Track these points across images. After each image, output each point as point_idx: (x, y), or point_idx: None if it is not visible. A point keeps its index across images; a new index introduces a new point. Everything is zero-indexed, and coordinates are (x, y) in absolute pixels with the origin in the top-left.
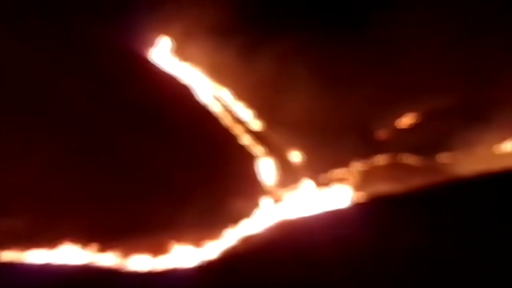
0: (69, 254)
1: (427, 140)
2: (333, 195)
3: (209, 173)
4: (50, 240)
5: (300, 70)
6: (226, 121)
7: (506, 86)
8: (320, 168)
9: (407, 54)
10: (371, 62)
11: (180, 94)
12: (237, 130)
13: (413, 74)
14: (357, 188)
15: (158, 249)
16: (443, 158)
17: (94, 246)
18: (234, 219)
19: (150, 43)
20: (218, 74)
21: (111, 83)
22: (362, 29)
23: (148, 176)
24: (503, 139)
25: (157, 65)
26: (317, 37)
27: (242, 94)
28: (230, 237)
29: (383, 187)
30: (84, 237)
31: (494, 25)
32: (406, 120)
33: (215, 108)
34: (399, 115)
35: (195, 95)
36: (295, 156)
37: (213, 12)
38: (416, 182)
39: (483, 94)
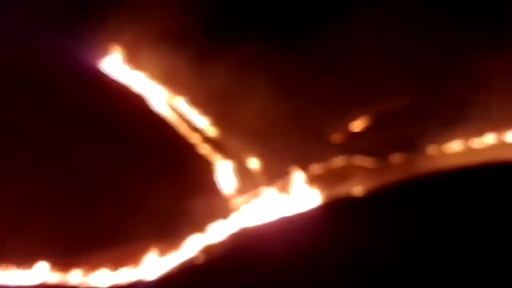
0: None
1: (381, 142)
2: (292, 199)
3: (167, 183)
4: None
5: (255, 77)
6: (182, 129)
7: (457, 86)
8: (278, 173)
9: (358, 60)
10: (324, 68)
11: (134, 103)
12: (193, 138)
13: (365, 79)
14: (315, 191)
15: (119, 262)
16: (397, 158)
17: (54, 263)
18: (194, 229)
19: (101, 53)
20: (173, 82)
21: (63, 95)
22: (314, 38)
23: (104, 188)
24: (455, 138)
25: (109, 75)
26: (272, 46)
27: (197, 102)
28: (191, 247)
29: (340, 190)
30: (41, 255)
31: (442, 28)
32: (360, 123)
33: (171, 117)
34: (353, 118)
35: (149, 104)
36: (253, 163)
37: (166, 20)
38: (371, 183)
39: (434, 95)
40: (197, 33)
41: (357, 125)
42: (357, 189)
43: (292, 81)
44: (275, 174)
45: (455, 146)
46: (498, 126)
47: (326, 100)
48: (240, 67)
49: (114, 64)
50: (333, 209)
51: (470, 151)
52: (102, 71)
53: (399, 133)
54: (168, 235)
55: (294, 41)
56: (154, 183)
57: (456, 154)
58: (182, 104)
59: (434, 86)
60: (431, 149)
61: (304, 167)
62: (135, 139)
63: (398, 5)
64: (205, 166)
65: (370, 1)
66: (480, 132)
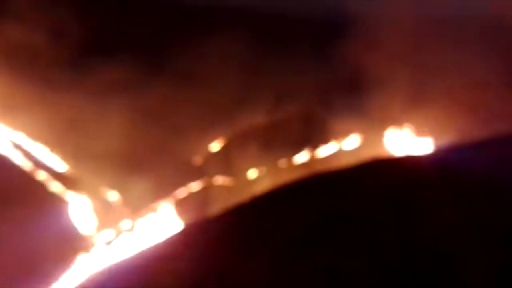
0: None
1: (236, 160)
2: (156, 228)
3: (14, 230)
4: None
5: (111, 106)
6: (27, 167)
7: (313, 100)
8: (139, 203)
9: (213, 80)
10: (182, 91)
11: None
12: (41, 176)
13: (219, 100)
14: (178, 217)
15: None
16: (252, 174)
17: None
18: (49, 277)
19: None
20: (12, 115)
21: None
22: (173, 60)
23: None
24: (301, 151)
25: None
26: (128, 72)
27: (43, 135)
28: None
29: (203, 212)
30: None
31: (291, 43)
32: (216, 144)
33: (13, 154)
34: (211, 140)
35: None
36: (112, 195)
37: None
38: (230, 201)
39: (289, 111)
40: (46, 58)
41: (216, 146)
42: (218, 209)
43: (150, 108)
44: (136, 205)
45: (302, 158)
46: (338, 138)
47: (185, 123)
48: (95, 94)
49: None
50: (194, 232)
51: (317, 161)
52: None
53: (252, 150)
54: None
55: (154, 64)
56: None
57: (302, 166)
58: (24, 139)
59: (286, 102)
60: (283, 163)
61: (165, 194)
62: None
63: (255, 26)
64: (57, 205)
65: (227, 23)
66: (324, 143)
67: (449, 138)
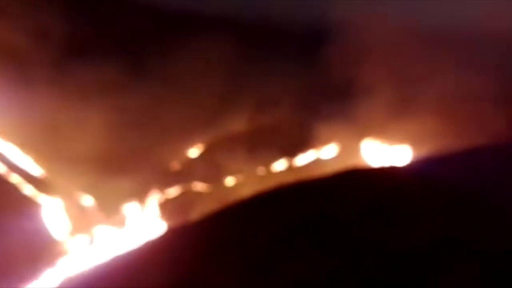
0: None
1: (214, 167)
2: (132, 234)
3: None
4: None
5: (89, 108)
6: (0, 170)
7: (295, 106)
8: (114, 208)
9: (194, 86)
10: (161, 96)
11: None
12: (14, 179)
13: (199, 106)
14: (155, 222)
15: None
16: (229, 182)
17: None
18: (20, 282)
19: None
20: None
21: None
22: (148, 65)
23: None
24: (282, 157)
25: None
26: (109, 75)
27: (16, 137)
28: None
29: (180, 218)
30: None
31: (275, 50)
32: (195, 150)
33: None
34: (189, 146)
35: None
36: (86, 200)
37: None
38: (206, 208)
39: (270, 117)
40: (25, 58)
41: (193, 152)
42: (195, 215)
43: (129, 110)
44: (111, 209)
45: (281, 166)
46: (319, 145)
47: (164, 128)
48: (73, 96)
49: None
50: (171, 237)
51: (297, 169)
52: None
53: (230, 158)
54: None
55: (135, 68)
56: None
57: (280, 173)
58: None
59: (269, 108)
60: (259, 170)
61: (142, 199)
62: None
63: (239, 32)
64: (30, 208)
65: (211, 28)
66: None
67: (428, 149)
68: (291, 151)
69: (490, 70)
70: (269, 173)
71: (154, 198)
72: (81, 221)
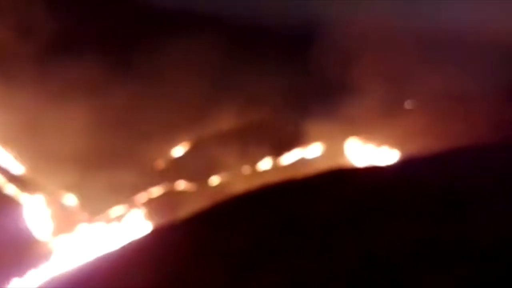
0: None
1: (200, 166)
2: (116, 233)
3: None
4: None
5: (73, 106)
6: None
7: (282, 105)
8: (98, 207)
9: (180, 84)
10: (146, 94)
11: None
12: None
13: (185, 104)
14: (139, 221)
15: None
16: (215, 180)
17: None
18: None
19: None
20: None
21: None
22: (134, 62)
23: None
24: (268, 156)
25: None
26: (93, 72)
27: None
28: None
29: (165, 217)
30: None
31: (263, 49)
32: (180, 149)
33: None
34: (175, 144)
35: None
36: (70, 199)
37: None
38: (191, 207)
39: (257, 116)
40: (10, 55)
41: (178, 151)
42: (180, 214)
43: (114, 108)
44: (95, 208)
45: (266, 165)
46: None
47: (149, 127)
48: (57, 94)
49: None
50: (156, 237)
51: (280, 169)
52: None
53: (216, 156)
54: None
55: (120, 65)
56: None
57: (266, 172)
58: None
59: (256, 107)
60: (245, 169)
61: (126, 198)
62: None
63: (227, 31)
64: (12, 207)
65: (198, 27)
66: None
67: (414, 149)
68: (278, 150)
69: (478, 71)
70: (256, 172)
71: (139, 197)
72: (65, 221)
